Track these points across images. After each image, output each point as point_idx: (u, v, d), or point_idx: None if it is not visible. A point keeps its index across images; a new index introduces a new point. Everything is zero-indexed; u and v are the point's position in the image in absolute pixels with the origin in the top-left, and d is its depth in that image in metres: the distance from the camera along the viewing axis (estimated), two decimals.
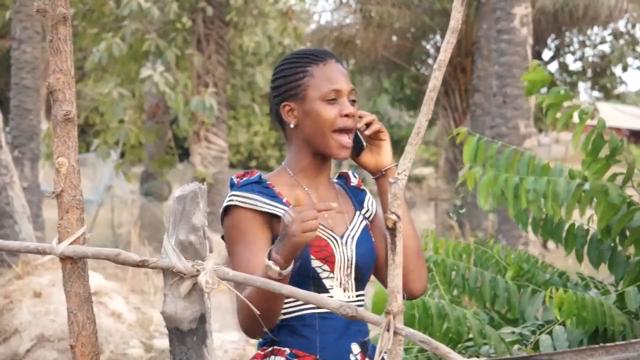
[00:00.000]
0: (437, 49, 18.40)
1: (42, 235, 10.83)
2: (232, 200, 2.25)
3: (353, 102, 2.33)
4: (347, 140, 2.30)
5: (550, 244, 13.99)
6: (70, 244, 2.18)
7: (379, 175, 2.35)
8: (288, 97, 2.32)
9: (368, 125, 2.33)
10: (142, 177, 20.49)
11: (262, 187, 2.27)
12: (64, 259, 2.19)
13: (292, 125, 2.32)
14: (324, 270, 2.24)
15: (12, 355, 6.53)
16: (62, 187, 2.20)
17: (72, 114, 2.20)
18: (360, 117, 2.33)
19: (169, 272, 2.13)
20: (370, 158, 2.35)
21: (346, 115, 2.29)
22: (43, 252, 2.25)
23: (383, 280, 2.44)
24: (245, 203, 2.23)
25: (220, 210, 2.29)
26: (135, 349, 6.98)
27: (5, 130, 8.90)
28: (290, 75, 2.32)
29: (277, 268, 2.04)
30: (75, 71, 2.28)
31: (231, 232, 2.25)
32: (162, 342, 7.05)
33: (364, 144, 2.34)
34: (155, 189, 19.45)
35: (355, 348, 2.27)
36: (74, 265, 2.20)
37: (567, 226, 3.37)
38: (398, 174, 1.80)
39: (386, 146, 2.35)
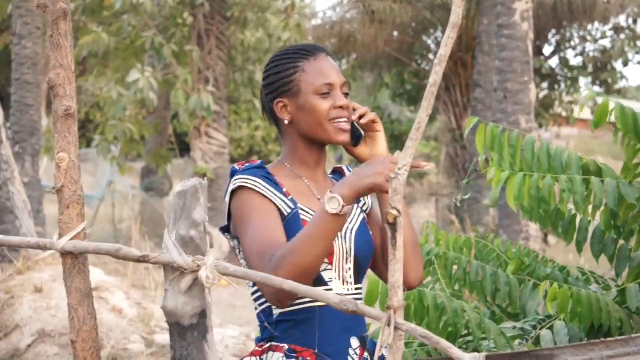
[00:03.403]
0: (438, 44, 18.38)
1: (43, 230, 10.83)
2: (237, 182, 2.24)
3: (346, 95, 2.32)
4: (344, 124, 2.30)
5: (551, 239, 13.99)
6: (71, 239, 2.18)
7: None
8: (281, 93, 2.32)
9: (361, 117, 2.33)
10: (143, 173, 20.50)
11: (265, 173, 2.27)
12: (65, 254, 2.19)
13: (286, 122, 2.32)
14: (323, 262, 2.23)
15: (13, 351, 6.54)
16: (63, 182, 2.20)
17: (72, 109, 2.20)
18: (354, 109, 2.33)
19: (169, 268, 2.13)
20: (365, 149, 2.36)
21: (340, 107, 2.29)
22: (44, 248, 2.25)
23: (380, 274, 2.44)
24: (251, 184, 2.23)
25: (227, 197, 2.28)
26: (136, 344, 6.98)
27: (6, 125, 8.90)
28: (282, 72, 2.32)
29: (341, 200, 2.05)
30: (76, 66, 2.27)
31: (242, 210, 2.22)
32: (163, 338, 7.05)
33: (362, 132, 2.35)
34: (156, 184, 19.47)
35: (355, 342, 2.27)
36: (74, 260, 2.20)
37: (568, 218, 3.33)
38: (399, 169, 1.80)
39: (381, 137, 2.35)
